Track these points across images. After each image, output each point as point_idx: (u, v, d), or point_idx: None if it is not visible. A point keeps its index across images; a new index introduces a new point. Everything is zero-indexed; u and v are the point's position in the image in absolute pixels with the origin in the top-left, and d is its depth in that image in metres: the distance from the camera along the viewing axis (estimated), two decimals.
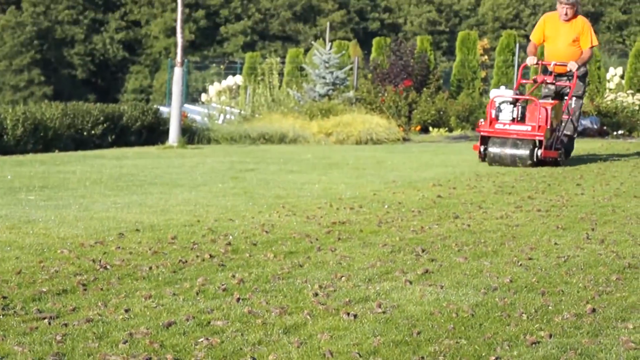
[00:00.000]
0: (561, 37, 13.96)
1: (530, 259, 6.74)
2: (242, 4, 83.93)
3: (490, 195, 10.32)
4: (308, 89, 23.65)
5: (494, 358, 4.44)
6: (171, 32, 73.35)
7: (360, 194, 10.19)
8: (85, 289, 5.60)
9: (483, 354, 4.51)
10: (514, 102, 13.28)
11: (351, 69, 25.39)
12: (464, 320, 5.09)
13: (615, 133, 22.86)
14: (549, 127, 13.13)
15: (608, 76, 27.77)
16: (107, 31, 79.74)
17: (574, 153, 16.53)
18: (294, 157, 15.11)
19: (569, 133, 13.97)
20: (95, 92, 72.56)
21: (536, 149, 12.90)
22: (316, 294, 5.58)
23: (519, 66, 21.76)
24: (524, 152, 12.89)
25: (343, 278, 6.00)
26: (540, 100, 13.54)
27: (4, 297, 5.38)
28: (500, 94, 13.75)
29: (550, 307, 5.37)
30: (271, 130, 19.60)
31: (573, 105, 13.89)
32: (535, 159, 12.88)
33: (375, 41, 27.82)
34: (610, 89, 26.55)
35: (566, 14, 13.93)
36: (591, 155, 16.26)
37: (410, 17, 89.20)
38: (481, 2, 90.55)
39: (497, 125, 13.23)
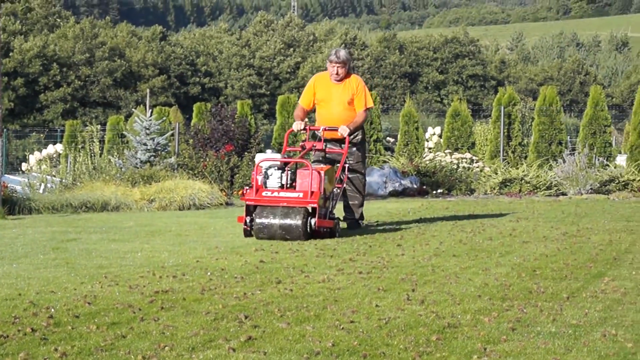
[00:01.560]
0: (335, 100, 12.94)
1: (352, 322, 6.76)
2: (62, 72, 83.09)
3: (312, 258, 10.33)
4: (129, 156, 23.50)
5: None
6: None
7: (183, 261, 10.14)
8: None
9: None
10: (283, 167, 12.04)
11: (172, 134, 25.36)
12: None
13: (434, 192, 23.23)
14: (322, 194, 11.92)
15: (427, 135, 28.38)
16: None
17: (395, 212, 16.75)
18: (117, 225, 14.96)
19: (356, 203, 13.34)
20: None
21: (310, 217, 11.72)
22: None
23: None
24: (295, 221, 11.62)
25: (166, 347, 5.95)
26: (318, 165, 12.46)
27: None
28: (268, 159, 12.34)
29: None
30: (93, 199, 19.39)
31: (356, 183, 13.24)
32: (309, 230, 11.75)
33: (195, 106, 27.83)
34: (429, 148, 27.05)
35: (337, 74, 12.90)
36: (411, 215, 16.45)
37: (230, 80, 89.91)
38: (300, 65, 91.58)
39: (264, 193, 11.89)
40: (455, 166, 24.46)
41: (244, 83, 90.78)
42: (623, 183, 22.65)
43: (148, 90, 39.01)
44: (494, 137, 27.06)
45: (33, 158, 31.32)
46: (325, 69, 13.43)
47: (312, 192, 11.64)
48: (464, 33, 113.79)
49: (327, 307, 7.32)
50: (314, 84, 13.22)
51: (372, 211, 17.14)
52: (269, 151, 12.60)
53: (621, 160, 26.69)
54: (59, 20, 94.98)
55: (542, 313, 7.05)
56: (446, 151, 26.08)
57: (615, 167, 24.17)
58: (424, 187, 23.23)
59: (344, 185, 13.02)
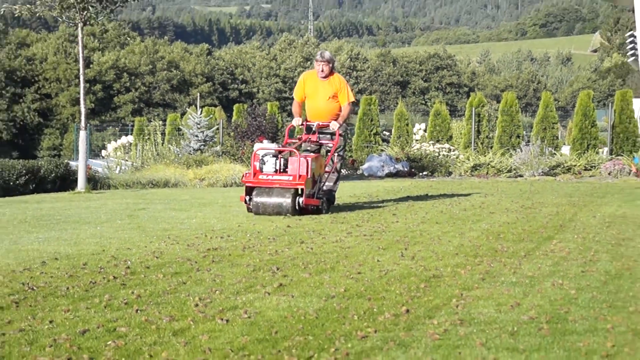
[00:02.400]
0: (320, 94, 12.17)
1: (359, 273, 6.79)
2: (130, 80, 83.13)
3: (328, 224, 10.34)
4: (184, 145, 23.53)
5: (333, 350, 4.50)
6: (75, 102, 72.33)
7: (228, 225, 10.15)
8: (17, 306, 5.52)
9: (325, 347, 4.57)
10: (277, 155, 11.42)
11: (217, 128, 25.35)
12: (310, 321, 5.13)
13: (420, 174, 23.20)
14: (310, 177, 11.29)
15: (415, 130, 28.21)
16: (25, 102, 78.06)
17: (391, 189, 16.73)
18: (176, 198, 14.99)
19: (330, 184, 12.35)
20: (17, 150, 71.28)
21: (298, 197, 11.15)
22: (197, 305, 5.56)
23: None
24: (286, 200, 11.07)
25: (217, 291, 6.00)
26: (308, 153, 11.88)
27: None
28: (264, 147, 11.72)
29: (375, 310, 5.45)
30: (157, 178, 19.43)
31: (335, 160, 12.29)
32: (297, 207, 11.12)
33: (235, 107, 27.80)
34: (416, 140, 26.97)
35: (322, 71, 12.16)
36: (403, 191, 16.43)
37: (261, 87, 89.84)
38: None
39: (260, 176, 11.30)
40: (436, 154, 24.41)
41: (272, 89, 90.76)
42: (566, 167, 22.60)
43: (198, 94, 38.95)
44: (467, 131, 27.02)
45: (110, 146, 31.32)
46: (312, 68, 12.85)
47: (300, 176, 11.08)
48: (443, 50, 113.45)
49: (340, 262, 7.34)
50: (303, 80, 12.48)
51: (373, 188, 17.15)
52: (265, 141, 11.98)
53: (565, 150, 26.63)
54: (128, 39, 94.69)
55: (505, 267, 7.06)
56: (430, 142, 26.04)
57: (560, 155, 24.11)
58: (413, 170, 23.21)
59: (333, 169, 12.35)
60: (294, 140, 12.39)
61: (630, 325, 5.04)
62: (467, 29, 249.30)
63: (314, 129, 12.15)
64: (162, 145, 24.92)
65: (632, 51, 32.17)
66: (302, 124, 12.28)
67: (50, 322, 5.09)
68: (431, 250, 8.01)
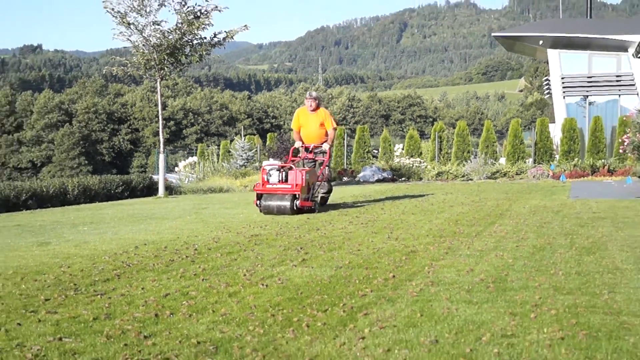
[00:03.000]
0: (311, 124, 11.63)
1: (358, 250, 6.78)
2: (194, 117, 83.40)
3: (335, 216, 10.32)
4: (233, 162, 23.58)
5: (342, 305, 4.50)
6: (156, 133, 72.70)
7: (265, 219, 10.13)
8: (119, 278, 5.54)
9: (336, 303, 4.57)
10: (279, 169, 11.00)
11: (256, 150, 25.35)
12: (325, 285, 5.14)
13: (400, 179, 23.11)
14: (305, 185, 10.77)
15: (395, 149, 28.13)
16: (120, 134, 78.56)
17: (379, 191, 16.70)
18: (228, 200, 14.99)
19: (324, 191, 11.72)
20: (115, 169, 71.73)
21: (295, 200, 10.66)
22: (245, 275, 5.56)
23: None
24: (286, 203, 10.57)
25: (258, 265, 6.00)
26: (303, 167, 11.32)
27: (75, 284, 5.30)
28: (270, 164, 11.33)
29: (370, 276, 5.44)
30: (214, 186, 19.43)
31: (326, 172, 11.66)
32: (295, 208, 10.61)
33: (268, 135, 27.72)
34: (397, 155, 26.89)
35: (311, 106, 11.65)
36: (388, 192, 16.42)
37: (286, 120, 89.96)
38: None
39: (267, 185, 10.85)
40: (411, 165, 24.31)
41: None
42: (503, 173, 22.50)
43: (242, 127, 38.90)
44: (432, 149, 26.95)
45: (181, 164, 31.28)
46: (303, 104, 12.19)
47: (296, 185, 10.65)
48: (414, 92, 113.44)
49: (345, 243, 7.32)
50: (297, 114, 11.95)
51: (367, 190, 17.12)
52: (271, 159, 11.49)
53: (502, 160, 26.51)
54: (192, 89, 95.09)
55: (462, 244, 7.05)
56: (406, 157, 25.97)
57: (499, 164, 24.04)
58: (394, 177, 23.14)
59: (325, 178, 11.76)
60: (296, 158, 11.69)
61: (552, 284, 5.04)
62: (431, 77, 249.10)
63: (310, 149, 11.67)
64: (217, 162, 24.98)
65: (547, 90, 32.07)
66: (301, 146, 11.74)
67: (142, 288, 5.11)
68: (409, 233, 8.00)
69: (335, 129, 11.80)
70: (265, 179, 11.04)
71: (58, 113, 77.21)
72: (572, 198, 13.04)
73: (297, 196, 10.70)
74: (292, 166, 11.05)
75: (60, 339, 3.85)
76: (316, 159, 11.69)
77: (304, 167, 11.43)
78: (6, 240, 8.31)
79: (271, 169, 11.12)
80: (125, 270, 5.89)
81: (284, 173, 10.98)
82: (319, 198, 11.59)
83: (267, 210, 10.68)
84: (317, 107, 11.80)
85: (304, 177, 10.82)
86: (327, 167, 11.69)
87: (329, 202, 12.28)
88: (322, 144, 11.69)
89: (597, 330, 3.86)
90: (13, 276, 5.68)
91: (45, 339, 3.85)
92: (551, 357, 3.45)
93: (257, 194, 10.93)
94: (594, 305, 4.38)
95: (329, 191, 11.97)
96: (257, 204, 10.94)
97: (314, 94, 12.02)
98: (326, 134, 11.75)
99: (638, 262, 5.84)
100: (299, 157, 11.73)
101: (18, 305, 4.65)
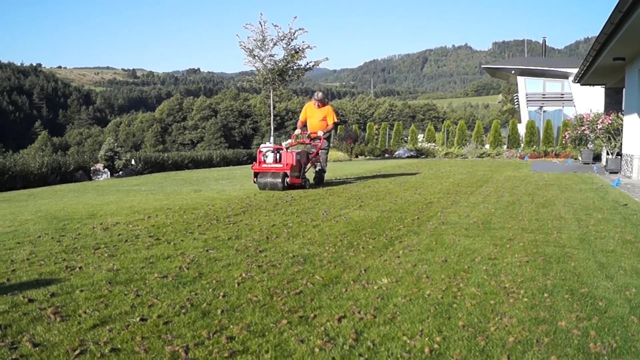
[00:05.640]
0: (315, 117, 9.00)
1: (395, 200, 6.59)
2: (292, 115, 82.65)
3: (378, 179, 10.08)
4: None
5: (384, 235, 4.38)
6: (268, 124, 71.01)
7: (337, 176, 9.95)
8: (244, 213, 5.52)
9: (381, 234, 4.45)
10: (274, 151, 8.36)
11: (331, 136, 25.12)
12: (374, 222, 5.00)
13: (421, 156, 22.59)
14: (295, 165, 8.18)
15: (419, 137, 27.45)
16: (246, 124, 78.29)
17: (409, 163, 16.32)
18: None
19: (324, 164, 8.98)
20: (242, 145, 71.08)
21: (285, 178, 8.01)
22: (323, 213, 5.48)
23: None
24: (277, 180, 7.94)
25: (331, 208, 5.90)
26: (296, 150, 8.76)
27: (216, 216, 5.31)
28: (266, 146, 8.57)
29: (402, 217, 5.29)
30: None
31: (323, 156, 8.97)
32: (285, 184, 7.99)
33: (339, 127, 27.49)
34: (420, 141, 26.24)
35: (317, 105, 9.02)
36: (414, 165, 16.07)
37: (350, 117, 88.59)
38: (374, 113, 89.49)
39: (263, 165, 8.19)
40: (429, 147, 23.76)
41: (354, 118, 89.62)
42: (488, 154, 21.75)
43: None
44: (442, 137, 26.23)
45: (284, 144, 31.07)
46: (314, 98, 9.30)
47: (287, 164, 8.07)
48: (431, 102, 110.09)
49: (386, 196, 7.13)
50: (305, 108, 9.34)
51: (401, 162, 16.77)
52: (267, 142, 9.31)
53: (487, 146, 25.52)
54: (291, 96, 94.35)
55: (462, 198, 6.75)
56: (426, 142, 25.35)
57: (485, 149, 23.25)
58: (418, 155, 22.67)
59: (315, 159, 9.04)
60: (299, 142, 9.20)
61: (520, 226, 4.80)
62: (442, 92, 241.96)
63: (310, 135, 9.07)
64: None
65: (516, 102, 31.26)
66: (301, 133, 9.27)
67: (259, 221, 5.07)
68: (428, 191, 7.80)
69: (335, 123, 9.26)
70: (262, 160, 8.52)
71: (208, 110, 79.20)
72: (532, 171, 12.48)
73: (287, 174, 8.27)
74: (282, 148, 8.64)
75: (207, 250, 3.86)
76: (314, 143, 9.14)
77: (309, 151, 9.35)
78: (174, 188, 8.46)
79: (267, 151, 8.70)
80: (248, 208, 5.87)
81: (278, 154, 8.53)
82: (322, 177, 9.05)
83: (262, 186, 8.29)
84: (323, 105, 9.31)
85: (294, 158, 8.44)
86: (324, 151, 9.00)
87: (373, 169, 11.60)
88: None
89: (550, 256, 3.70)
90: (179, 211, 5.73)
91: (198, 250, 3.87)
92: (520, 273, 3.32)
93: (254, 173, 8.49)
94: (547, 241, 4.18)
95: (322, 170, 9.14)
96: (254, 181, 8.31)
97: (319, 95, 9.43)
98: (327, 126, 9.29)
99: (575, 213, 5.54)
100: (302, 141, 9.19)
101: (181, 228, 4.69)
